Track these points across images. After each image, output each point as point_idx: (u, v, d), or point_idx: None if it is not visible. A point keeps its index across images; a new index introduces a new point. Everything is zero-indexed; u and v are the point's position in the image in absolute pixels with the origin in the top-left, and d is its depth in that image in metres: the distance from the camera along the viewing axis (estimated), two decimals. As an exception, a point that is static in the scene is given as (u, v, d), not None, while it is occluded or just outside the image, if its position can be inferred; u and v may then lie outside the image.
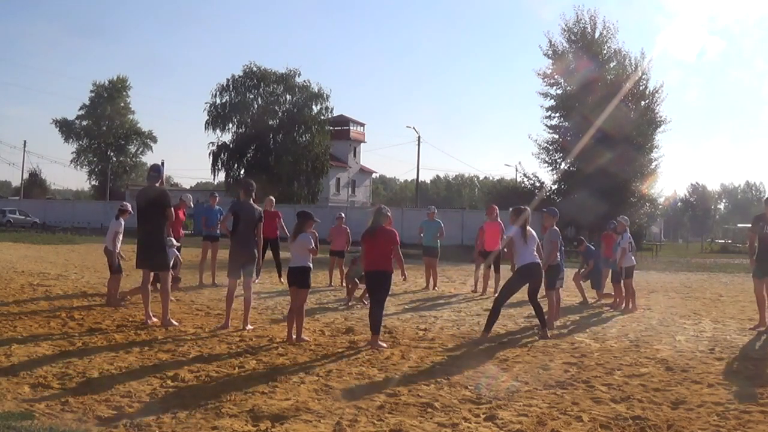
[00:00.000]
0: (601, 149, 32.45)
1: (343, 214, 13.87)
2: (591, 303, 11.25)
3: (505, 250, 8.07)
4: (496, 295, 8.16)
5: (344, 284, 12.85)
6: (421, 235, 13.30)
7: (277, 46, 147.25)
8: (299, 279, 7.34)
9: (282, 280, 12.95)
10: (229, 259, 8.11)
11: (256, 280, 8.56)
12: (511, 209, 8.17)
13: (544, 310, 8.22)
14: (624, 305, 10.61)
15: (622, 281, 10.63)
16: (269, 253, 13.02)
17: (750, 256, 8.93)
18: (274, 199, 13.50)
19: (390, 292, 7.80)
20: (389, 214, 7.59)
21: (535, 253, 7.93)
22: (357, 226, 12.05)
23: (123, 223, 9.59)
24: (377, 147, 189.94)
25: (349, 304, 10.37)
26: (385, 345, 7.09)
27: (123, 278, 9.74)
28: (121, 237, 9.55)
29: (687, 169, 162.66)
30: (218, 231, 11.84)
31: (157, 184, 8.10)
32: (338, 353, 6.66)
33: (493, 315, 7.77)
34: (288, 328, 7.28)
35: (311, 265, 7.43)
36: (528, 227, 7.98)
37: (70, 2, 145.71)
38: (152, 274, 8.50)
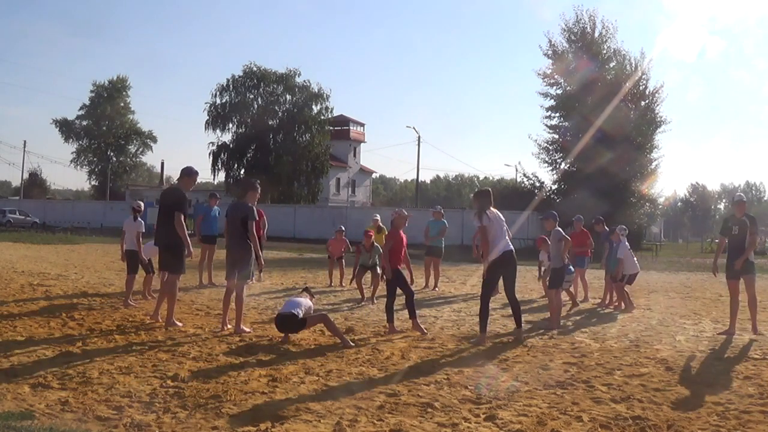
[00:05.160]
0: (601, 149, 32.39)
1: (343, 228, 13.90)
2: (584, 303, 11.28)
3: (477, 245, 7.90)
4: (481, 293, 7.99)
5: (342, 284, 12.87)
6: (428, 234, 13.21)
7: (277, 46, 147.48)
8: (288, 327, 7.11)
9: (258, 279, 13.09)
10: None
11: (251, 281, 8.52)
12: (472, 195, 7.83)
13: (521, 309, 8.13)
14: (618, 305, 10.64)
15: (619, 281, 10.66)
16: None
17: (714, 258, 8.90)
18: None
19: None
20: (399, 214, 8.41)
21: (509, 240, 7.64)
22: (357, 227, 12.09)
23: (142, 222, 9.67)
24: (377, 147, 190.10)
25: (362, 303, 10.49)
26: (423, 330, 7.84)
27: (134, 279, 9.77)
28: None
29: (687, 169, 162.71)
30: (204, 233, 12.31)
31: (182, 186, 8.02)
32: (338, 353, 6.66)
33: (484, 314, 7.54)
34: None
35: (301, 314, 7.07)
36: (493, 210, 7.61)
37: (70, 2, 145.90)
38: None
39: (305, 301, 7.31)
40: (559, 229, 9.14)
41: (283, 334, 7.24)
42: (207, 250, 12.40)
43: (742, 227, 8.33)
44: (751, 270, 8.42)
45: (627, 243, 10.80)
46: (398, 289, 8.07)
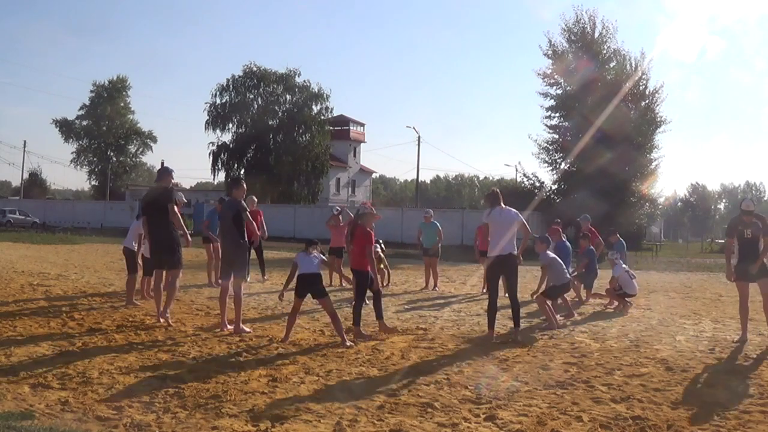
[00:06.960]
0: (601, 149, 32.38)
1: (339, 208, 13.82)
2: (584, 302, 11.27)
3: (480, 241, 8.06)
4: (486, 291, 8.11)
5: (342, 284, 12.86)
6: (420, 238, 13.38)
7: (277, 46, 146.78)
8: (312, 286, 7.22)
9: (266, 277, 13.15)
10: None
11: (247, 279, 8.63)
12: (486, 194, 7.99)
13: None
14: (618, 306, 10.63)
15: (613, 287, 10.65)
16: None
17: (728, 262, 8.51)
18: (255, 199, 13.66)
19: (389, 292, 7.97)
20: (369, 212, 8.10)
21: (512, 242, 7.75)
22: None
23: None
24: (377, 147, 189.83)
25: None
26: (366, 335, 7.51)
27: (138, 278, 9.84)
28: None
29: (687, 169, 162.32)
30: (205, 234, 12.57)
31: (164, 184, 8.15)
32: (338, 353, 6.66)
33: (490, 312, 7.73)
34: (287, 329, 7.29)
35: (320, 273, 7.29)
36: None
37: (70, 2, 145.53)
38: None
39: (317, 257, 7.32)
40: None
41: (283, 335, 7.25)
42: (214, 251, 12.57)
43: (755, 230, 8.10)
44: (765, 273, 8.17)
45: (623, 265, 10.72)
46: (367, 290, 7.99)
